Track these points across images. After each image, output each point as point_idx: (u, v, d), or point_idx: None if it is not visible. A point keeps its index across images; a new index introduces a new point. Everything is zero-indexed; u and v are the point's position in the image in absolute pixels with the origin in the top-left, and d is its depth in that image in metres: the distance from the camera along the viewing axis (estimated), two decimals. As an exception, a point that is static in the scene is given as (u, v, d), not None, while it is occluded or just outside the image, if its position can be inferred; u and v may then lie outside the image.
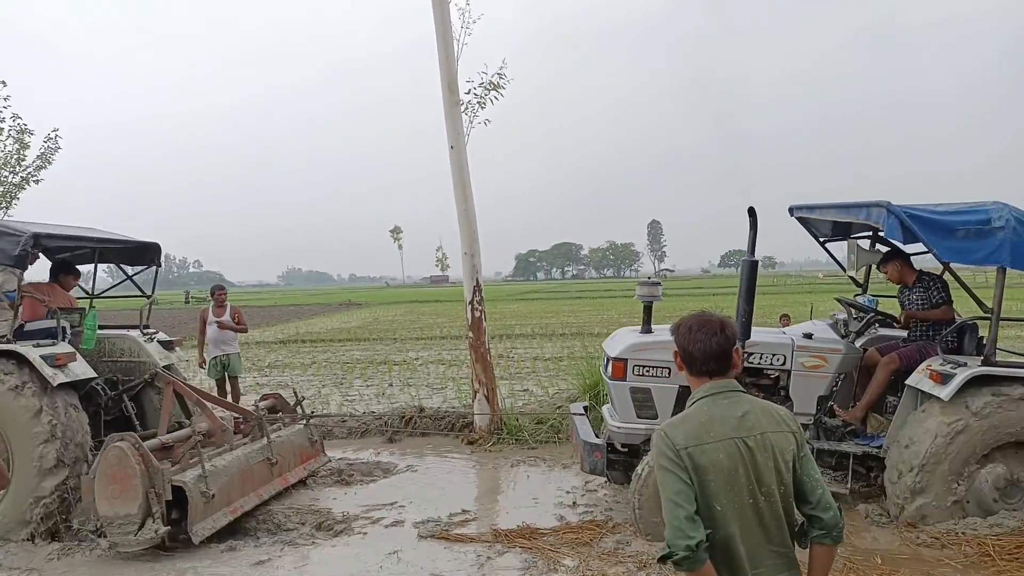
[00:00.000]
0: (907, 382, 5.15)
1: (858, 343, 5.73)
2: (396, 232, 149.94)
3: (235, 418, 6.45)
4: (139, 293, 6.97)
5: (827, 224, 6.27)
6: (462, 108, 8.48)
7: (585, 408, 6.46)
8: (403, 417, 8.86)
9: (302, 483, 6.68)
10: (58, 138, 13.74)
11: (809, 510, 2.11)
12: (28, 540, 5.26)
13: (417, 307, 43.96)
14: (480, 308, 8.48)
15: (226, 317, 9.07)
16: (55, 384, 5.29)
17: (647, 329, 5.42)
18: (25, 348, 5.35)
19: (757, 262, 5.06)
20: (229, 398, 8.93)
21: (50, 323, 5.85)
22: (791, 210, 6.01)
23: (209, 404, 6.29)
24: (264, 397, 7.29)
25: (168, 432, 5.91)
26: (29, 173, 13.40)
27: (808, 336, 5.40)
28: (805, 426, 5.24)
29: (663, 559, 1.95)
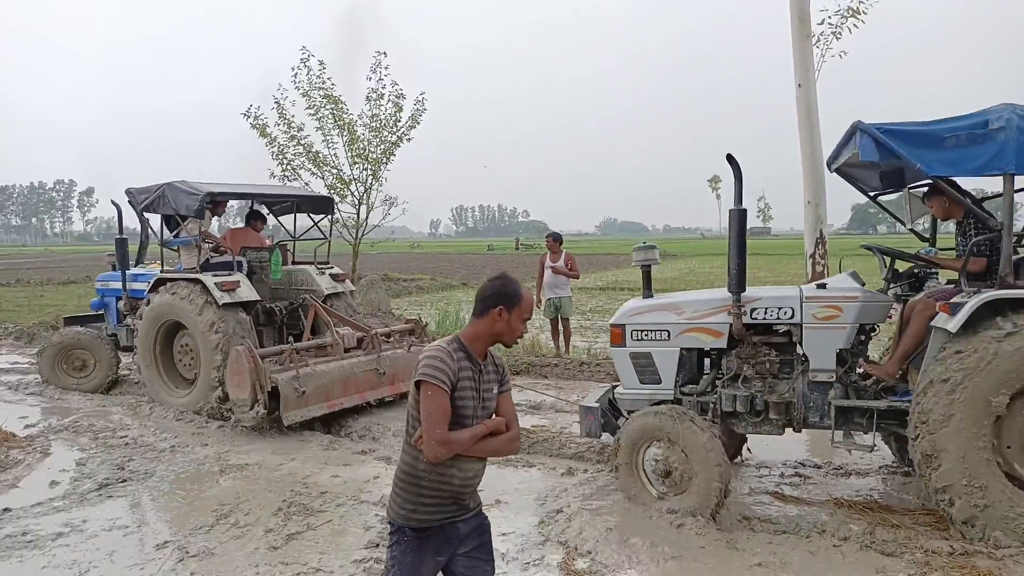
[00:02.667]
0: (931, 324, 4.46)
1: (891, 292, 5.03)
2: (714, 182, 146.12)
3: (359, 336, 7.81)
4: (321, 237, 8.86)
5: (873, 175, 5.31)
6: (813, 41, 8.07)
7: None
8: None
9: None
10: (425, 101, 15.59)
11: None
12: (204, 419, 7.30)
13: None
14: (823, 262, 8.18)
15: (560, 263, 9.85)
16: (221, 303, 7.16)
17: (648, 294, 5.32)
18: (204, 276, 7.31)
19: (746, 211, 4.76)
20: (561, 338, 10.10)
21: (230, 258, 7.80)
22: (828, 164, 5.26)
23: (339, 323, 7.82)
24: (408, 321, 8.67)
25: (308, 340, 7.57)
26: (403, 132, 15.47)
27: (822, 286, 4.88)
28: (828, 384, 4.75)
29: None
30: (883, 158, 4.32)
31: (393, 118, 15.44)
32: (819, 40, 8.05)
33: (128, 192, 8.10)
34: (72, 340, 8.86)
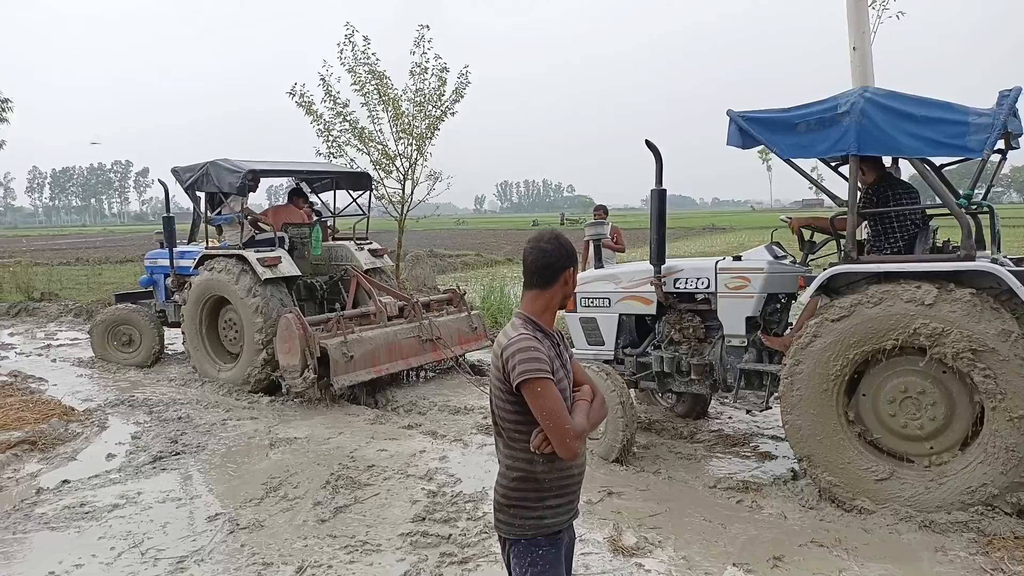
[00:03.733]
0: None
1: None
2: (764, 153, 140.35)
3: (400, 304, 7.82)
4: (360, 214, 8.85)
5: None
6: (869, 1, 7.86)
7: None
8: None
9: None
10: (469, 74, 15.28)
11: None
12: (253, 393, 7.42)
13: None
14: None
15: (607, 235, 9.75)
16: (263, 279, 7.22)
17: (599, 265, 5.98)
18: (247, 252, 7.37)
19: (665, 191, 5.16)
20: None
21: (271, 235, 7.87)
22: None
23: (378, 293, 7.88)
24: (446, 291, 8.67)
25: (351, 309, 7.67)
26: (447, 107, 15.05)
27: (737, 258, 5.27)
28: (742, 348, 5.15)
29: None
30: (746, 144, 4.73)
31: (437, 92, 15.48)
32: (875, 1, 7.61)
33: (174, 171, 8.21)
34: (118, 316, 9.11)
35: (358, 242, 8.63)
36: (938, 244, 4.79)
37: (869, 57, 7.37)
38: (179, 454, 5.77)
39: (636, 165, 5.29)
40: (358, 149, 15.53)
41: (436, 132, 15.63)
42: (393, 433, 6.20)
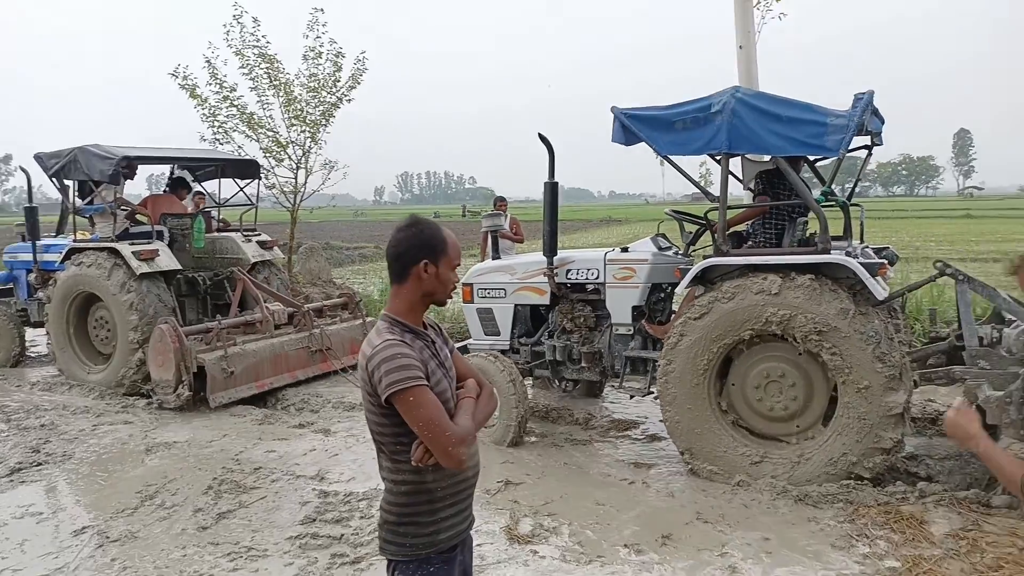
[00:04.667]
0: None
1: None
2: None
3: (290, 312, 7.48)
4: (248, 203, 8.38)
5: None
6: (754, 2, 8.04)
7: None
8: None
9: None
10: (366, 60, 14.83)
11: None
12: (127, 395, 6.90)
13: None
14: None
15: (504, 227, 9.21)
16: (138, 273, 6.74)
17: (496, 256, 6.02)
18: (120, 245, 6.86)
19: (557, 183, 5.25)
20: None
21: (148, 227, 7.35)
22: None
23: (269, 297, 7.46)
24: (340, 295, 8.34)
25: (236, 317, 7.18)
26: (342, 93, 14.61)
27: (624, 250, 5.41)
28: (629, 336, 5.31)
29: None
30: (629, 140, 4.84)
31: (332, 78, 15.14)
32: (759, 1, 7.96)
33: (37, 157, 7.52)
34: (-30, 317, 8.27)
35: (245, 234, 8.19)
36: (805, 237, 5.07)
37: (754, 56, 7.69)
38: (41, 464, 5.29)
39: (539, 157, 5.17)
40: (246, 136, 14.84)
41: (331, 119, 15.25)
42: (283, 433, 5.95)
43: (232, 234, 8.17)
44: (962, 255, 17.35)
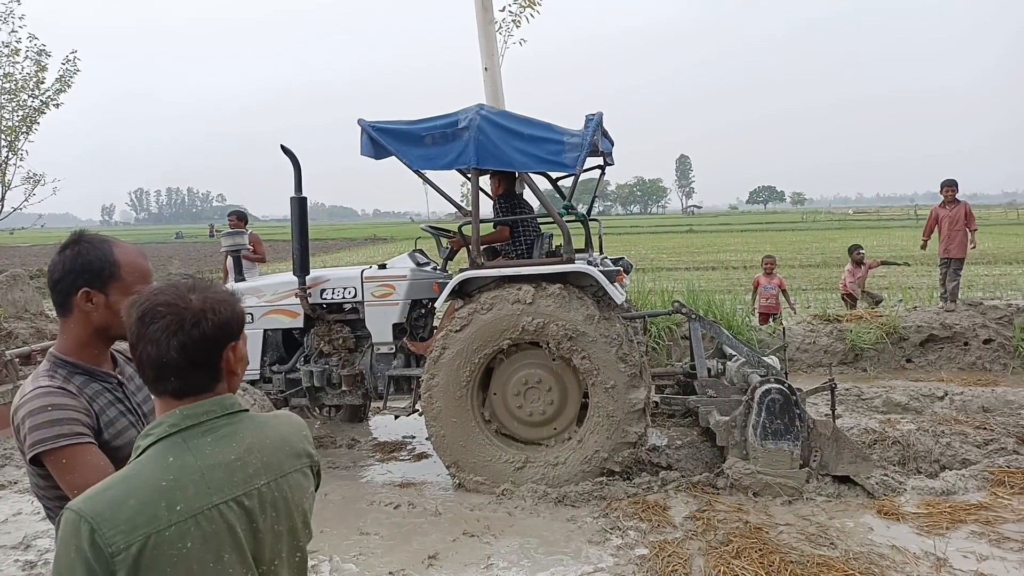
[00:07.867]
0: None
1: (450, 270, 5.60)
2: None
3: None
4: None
5: None
6: (496, 27, 8.17)
7: None
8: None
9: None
10: (77, 60, 13.44)
11: None
12: None
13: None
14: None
15: (247, 245, 8.52)
16: None
17: (240, 278, 5.67)
18: None
19: (306, 199, 5.01)
20: None
21: None
22: None
23: None
24: (52, 337, 7.09)
25: None
26: (48, 96, 13.32)
27: (382, 267, 5.33)
28: (391, 355, 5.21)
29: None
30: (379, 154, 4.80)
31: (34, 79, 13.15)
32: (501, 27, 8.39)
33: None
34: None
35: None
36: (552, 249, 5.35)
37: (499, 77, 8.03)
38: None
39: (290, 174, 4.72)
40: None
41: (35, 126, 13.41)
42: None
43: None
44: (687, 265, 19.93)
